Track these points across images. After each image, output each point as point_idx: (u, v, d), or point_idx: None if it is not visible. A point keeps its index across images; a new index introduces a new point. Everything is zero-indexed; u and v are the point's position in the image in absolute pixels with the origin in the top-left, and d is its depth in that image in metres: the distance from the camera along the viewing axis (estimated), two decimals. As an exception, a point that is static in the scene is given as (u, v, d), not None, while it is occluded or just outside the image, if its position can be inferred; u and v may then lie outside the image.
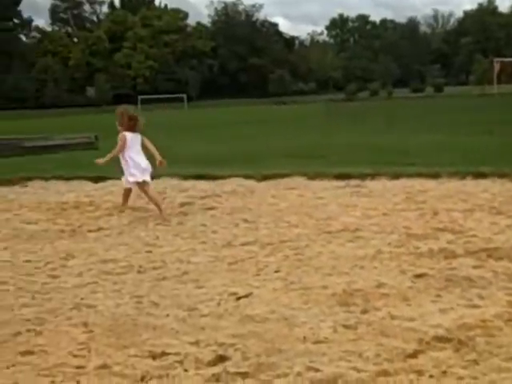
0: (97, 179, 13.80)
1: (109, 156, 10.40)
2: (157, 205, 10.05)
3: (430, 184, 11.42)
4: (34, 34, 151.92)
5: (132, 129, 10.41)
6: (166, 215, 9.79)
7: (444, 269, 6.25)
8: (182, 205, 10.57)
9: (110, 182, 13.41)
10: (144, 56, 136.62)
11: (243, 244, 7.71)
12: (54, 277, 6.60)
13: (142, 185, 10.25)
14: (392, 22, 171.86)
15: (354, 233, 8.04)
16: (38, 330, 4.96)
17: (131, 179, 10.27)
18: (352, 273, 6.25)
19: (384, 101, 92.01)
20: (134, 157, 10.33)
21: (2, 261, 7.34)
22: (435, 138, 20.82)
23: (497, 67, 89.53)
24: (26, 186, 13.68)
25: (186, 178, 13.38)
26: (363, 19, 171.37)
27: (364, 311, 5.15)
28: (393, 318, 4.96)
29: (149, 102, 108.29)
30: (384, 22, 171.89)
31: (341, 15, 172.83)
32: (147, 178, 10.28)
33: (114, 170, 14.77)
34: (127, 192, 10.56)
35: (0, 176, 14.72)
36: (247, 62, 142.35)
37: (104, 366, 4.23)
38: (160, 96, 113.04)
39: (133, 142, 10.38)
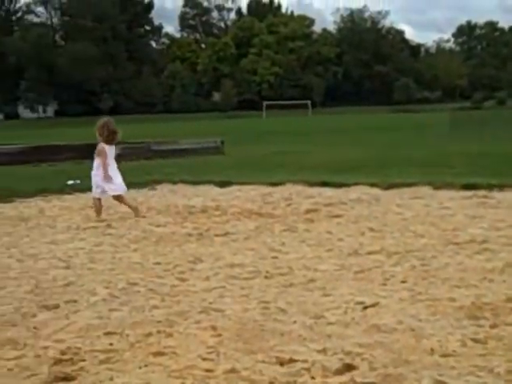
0: (223, 184, 14.04)
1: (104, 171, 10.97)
2: (133, 208, 10.91)
3: (562, 196, 11.11)
4: (164, 40, 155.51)
5: (110, 142, 10.99)
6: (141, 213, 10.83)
7: None
8: (308, 211, 10.59)
9: (235, 187, 13.61)
10: (270, 62, 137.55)
11: (369, 253, 7.65)
12: (183, 280, 6.70)
13: (100, 197, 10.98)
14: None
15: (482, 244, 7.87)
16: (168, 331, 5.03)
17: (99, 192, 10.92)
18: (480, 286, 6.12)
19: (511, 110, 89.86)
20: (111, 172, 10.95)
21: (133, 262, 7.52)
22: None
23: None
24: (155, 189, 14.03)
25: (311, 184, 13.45)
26: (491, 26, 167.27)
27: (493, 325, 5.04)
28: (524, 333, 4.84)
29: (273, 107, 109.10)
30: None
31: (468, 22, 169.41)
32: (116, 193, 11.00)
33: (239, 176, 15.00)
34: (98, 202, 11.01)
35: (130, 179, 15.10)
36: (372, 69, 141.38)
37: (232, 371, 4.25)
38: (284, 102, 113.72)
39: (110, 154, 11.00)
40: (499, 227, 8.86)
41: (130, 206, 10.92)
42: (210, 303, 5.78)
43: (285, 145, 28.69)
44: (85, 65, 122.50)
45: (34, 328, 5.25)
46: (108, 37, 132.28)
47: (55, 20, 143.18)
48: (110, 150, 10.98)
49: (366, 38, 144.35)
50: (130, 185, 14.12)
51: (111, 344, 4.83)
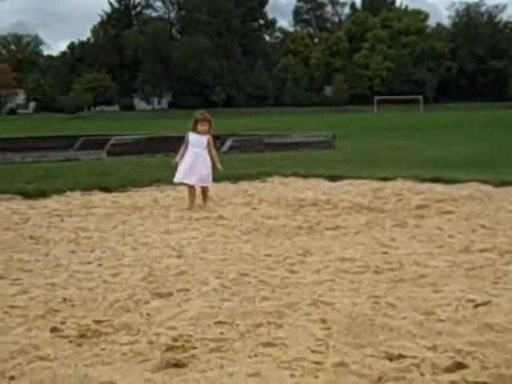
0: (333, 178, 14.01)
1: (217, 161, 11.36)
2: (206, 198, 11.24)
3: None
4: (277, 34, 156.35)
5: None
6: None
7: None
8: (419, 207, 10.49)
9: (346, 181, 13.56)
10: (382, 57, 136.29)
11: (481, 250, 7.53)
12: (293, 272, 6.74)
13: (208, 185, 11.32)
14: None
15: None
16: (278, 323, 5.08)
17: (210, 181, 11.28)
18: None
19: None
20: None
21: (244, 253, 7.60)
22: None
23: None
24: (266, 181, 14.10)
25: (422, 180, 13.29)
26: None
27: None
28: None
29: (384, 102, 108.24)
30: None
31: None
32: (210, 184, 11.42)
33: (349, 170, 14.94)
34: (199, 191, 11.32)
35: (242, 171, 15.25)
36: (486, 65, 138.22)
37: (341, 364, 4.26)
38: (396, 97, 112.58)
39: None
40: None
41: (206, 199, 11.26)
42: (320, 296, 5.80)
43: (396, 140, 28.43)
44: (199, 58, 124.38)
45: (147, 315, 5.37)
46: (222, 30, 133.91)
47: (172, 14, 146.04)
48: None
49: (481, 33, 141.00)
50: (241, 177, 14.32)
51: (222, 333, 4.90)
